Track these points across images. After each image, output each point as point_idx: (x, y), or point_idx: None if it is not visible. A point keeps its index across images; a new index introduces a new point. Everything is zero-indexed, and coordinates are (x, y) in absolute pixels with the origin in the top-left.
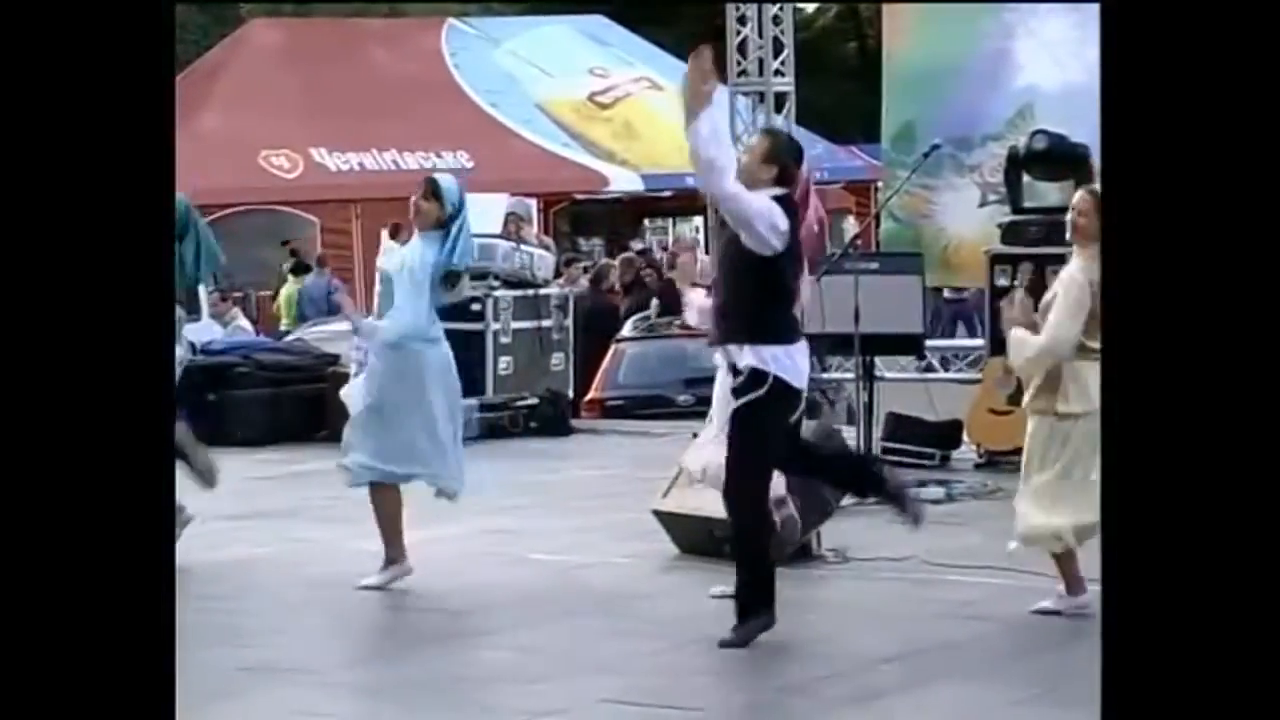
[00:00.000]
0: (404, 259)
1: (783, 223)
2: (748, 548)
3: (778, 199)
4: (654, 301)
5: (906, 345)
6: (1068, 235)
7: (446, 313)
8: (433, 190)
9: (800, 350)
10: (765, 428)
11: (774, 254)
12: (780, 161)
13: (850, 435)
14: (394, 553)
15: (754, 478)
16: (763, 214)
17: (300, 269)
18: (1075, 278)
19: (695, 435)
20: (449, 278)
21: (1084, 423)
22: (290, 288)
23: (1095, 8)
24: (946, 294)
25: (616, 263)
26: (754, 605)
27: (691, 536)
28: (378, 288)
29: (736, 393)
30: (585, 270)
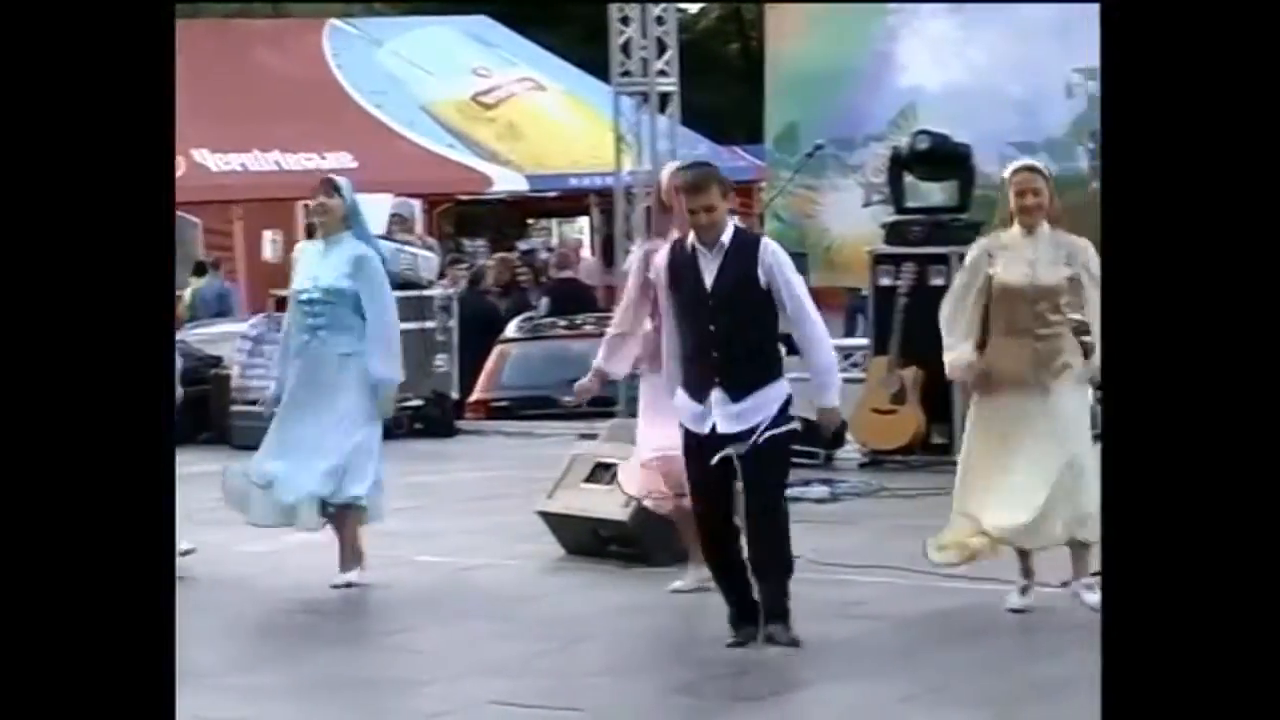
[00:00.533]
0: (337, 271)
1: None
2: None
3: (739, 228)
4: (544, 300)
5: (790, 344)
6: (1013, 219)
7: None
8: (335, 188)
9: None
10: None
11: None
12: (730, 192)
13: None
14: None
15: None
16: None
17: (200, 270)
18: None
19: (582, 436)
20: None
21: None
22: (192, 289)
23: (976, 8)
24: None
25: (493, 263)
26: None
27: (577, 537)
28: (297, 307)
29: (770, 431)
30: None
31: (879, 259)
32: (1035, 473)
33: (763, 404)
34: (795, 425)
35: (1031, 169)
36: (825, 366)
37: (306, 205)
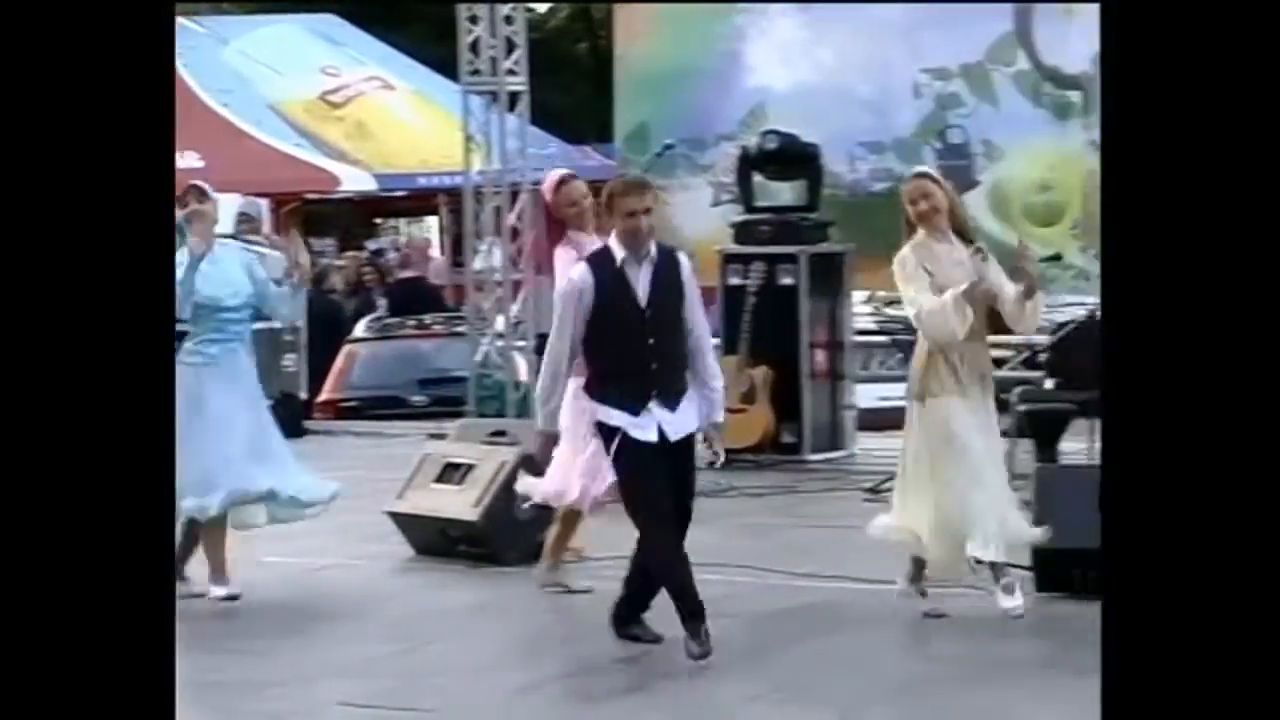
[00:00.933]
0: (243, 279)
1: None
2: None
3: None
4: (383, 301)
5: None
6: (912, 230)
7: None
8: (205, 193)
9: None
10: None
11: None
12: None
13: None
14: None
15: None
16: None
17: None
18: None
19: (431, 436)
20: None
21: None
22: None
23: (823, 9)
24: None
25: (343, 262)
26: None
27: (426, 537)
28: (217, 315)
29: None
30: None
31: (728, 258)
32: (976, 489)
33: (690, 412)
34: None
35: (920, 175)
36: (718, 382)
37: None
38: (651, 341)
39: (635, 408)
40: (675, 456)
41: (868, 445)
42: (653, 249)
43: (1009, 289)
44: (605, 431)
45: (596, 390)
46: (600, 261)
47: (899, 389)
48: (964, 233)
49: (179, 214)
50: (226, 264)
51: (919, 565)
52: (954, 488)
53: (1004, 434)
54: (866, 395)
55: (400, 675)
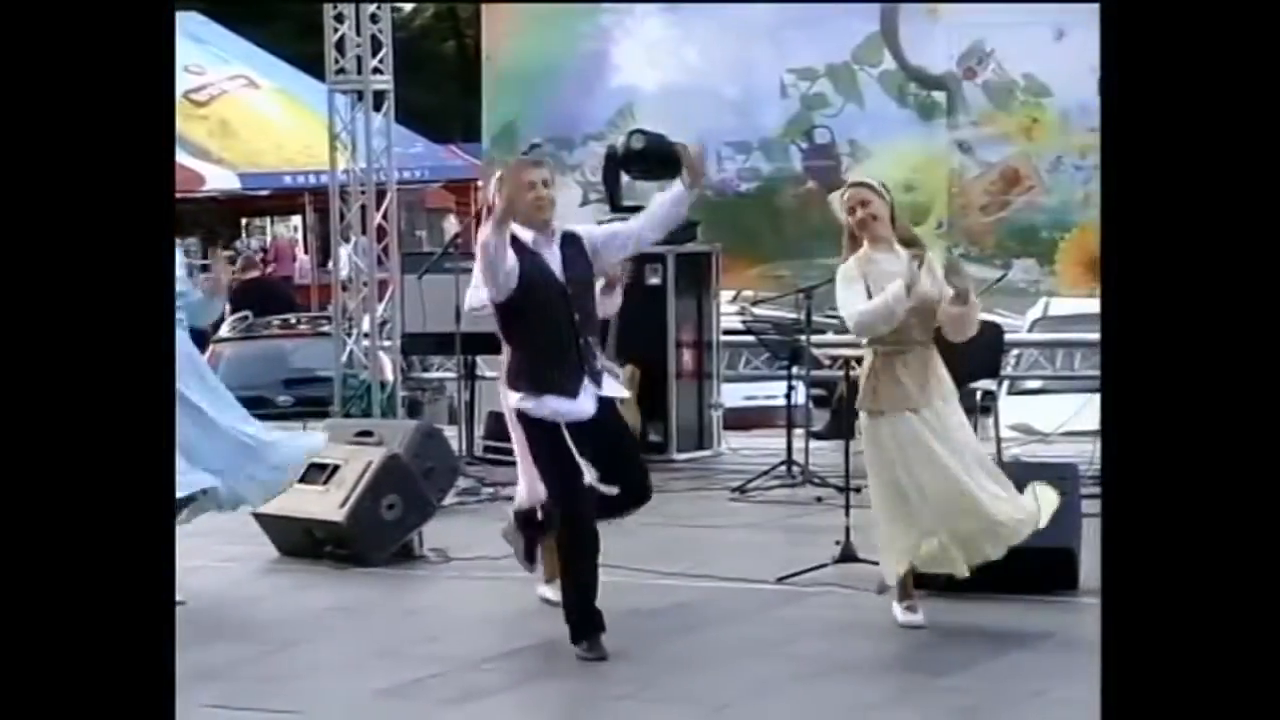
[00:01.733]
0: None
1: None
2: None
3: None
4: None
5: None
6: (856, 239)
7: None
8: None
9: None
10: None
11: None
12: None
13: (452, 435)
14: None
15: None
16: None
17: None
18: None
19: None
20: None
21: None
22: None
23: (689, 9)
24: None
25: (206, 263)
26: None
27: (291, 538)
28: None
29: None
30: None
31: None
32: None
33: (612, 382)
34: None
35: (856, 184)
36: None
37: None
38: (576, 318)
39: (570, 390)
40: (606, 428)
41: (734, 444)
42: (558, 224)
43: (947, 296)
44: (529, 421)
45: (526, 381)
46: (517, 249)
47: (765, 388)
48: (908, 240)
49: None
50: None
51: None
52: (935, 497)
53: None
54: (733, 395)
55: (265, 678)
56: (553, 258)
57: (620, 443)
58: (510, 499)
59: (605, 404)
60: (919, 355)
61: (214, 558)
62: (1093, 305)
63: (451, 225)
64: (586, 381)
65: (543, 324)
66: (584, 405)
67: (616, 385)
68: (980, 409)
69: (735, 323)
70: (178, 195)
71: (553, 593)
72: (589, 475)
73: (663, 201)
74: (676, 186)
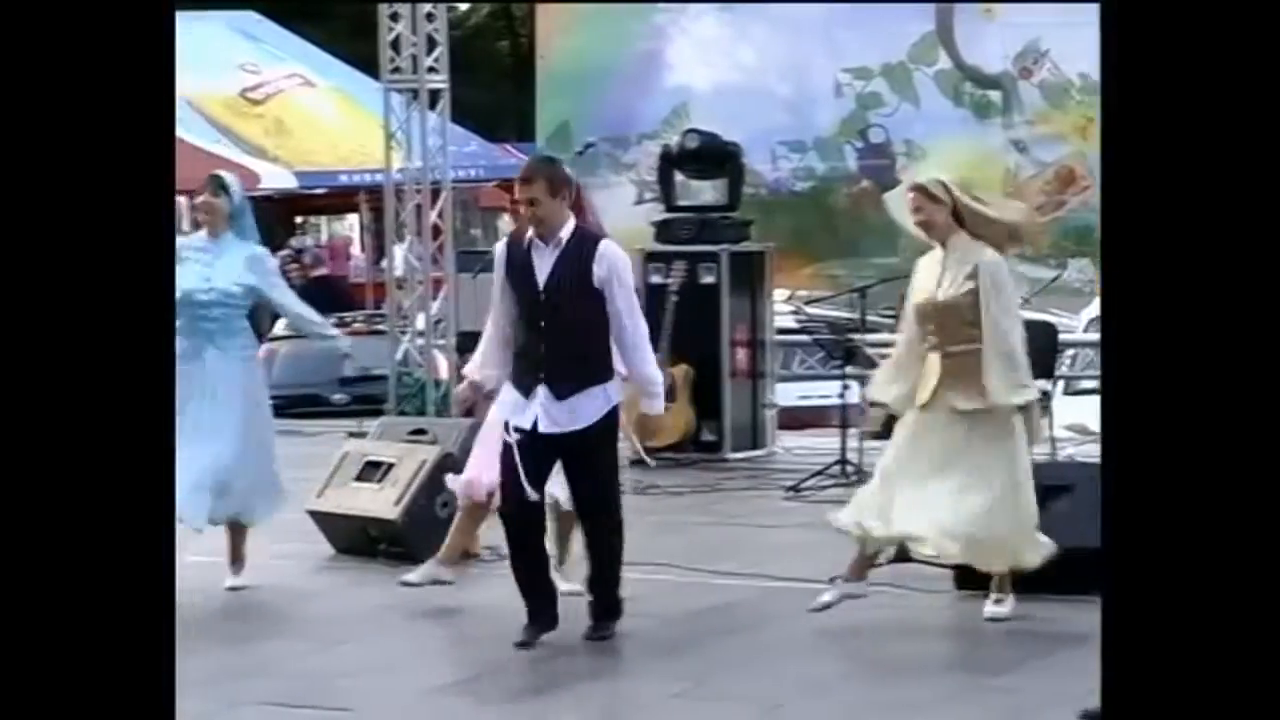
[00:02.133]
0: (230, 273)
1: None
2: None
3: (580, 228)
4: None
5: None
6: (924, 236)
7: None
8: (221, 186)
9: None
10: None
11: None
12: (565, 187)
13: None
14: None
15: (617, 501)
16: (632, 292)
17: None
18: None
19: (351, 435)
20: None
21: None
22: None
23: (744, 9)
24: None
25: None
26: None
27: (347, 536)
28: (188, 309)
29: (608, 427)
30: None
31: (650, 257)
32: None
33: (584, 406)
34: (614, 426)
35: (912, 188)
36: (650, 376)
37: (192, 202)
38: (543, 324)
39: (524, 390)
40: (565, 453)
41: (788, 444)
42: (564, 234)
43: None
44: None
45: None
46: (513, 243)
47: (819, 388)
48: (987, 235)
49: (191, 201)
50: (221, 259)
51: (866, 564)
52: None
53: None
54: (787, 394)
55: (318, 674)
56: (541, 262)
57: (579, 458)
58: None
59: (569, 438)
60: (938, 360)
61: (269, 555)
62: None
63: (506, 224)
64: (540, 393)
65: (516, 322)
66: (527, 412)
67: (577, 416)
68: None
69: (789, 322)
70: None
71: (566, 585)
72: (539, 486)
73: (627, 364)
74: (646, 377)
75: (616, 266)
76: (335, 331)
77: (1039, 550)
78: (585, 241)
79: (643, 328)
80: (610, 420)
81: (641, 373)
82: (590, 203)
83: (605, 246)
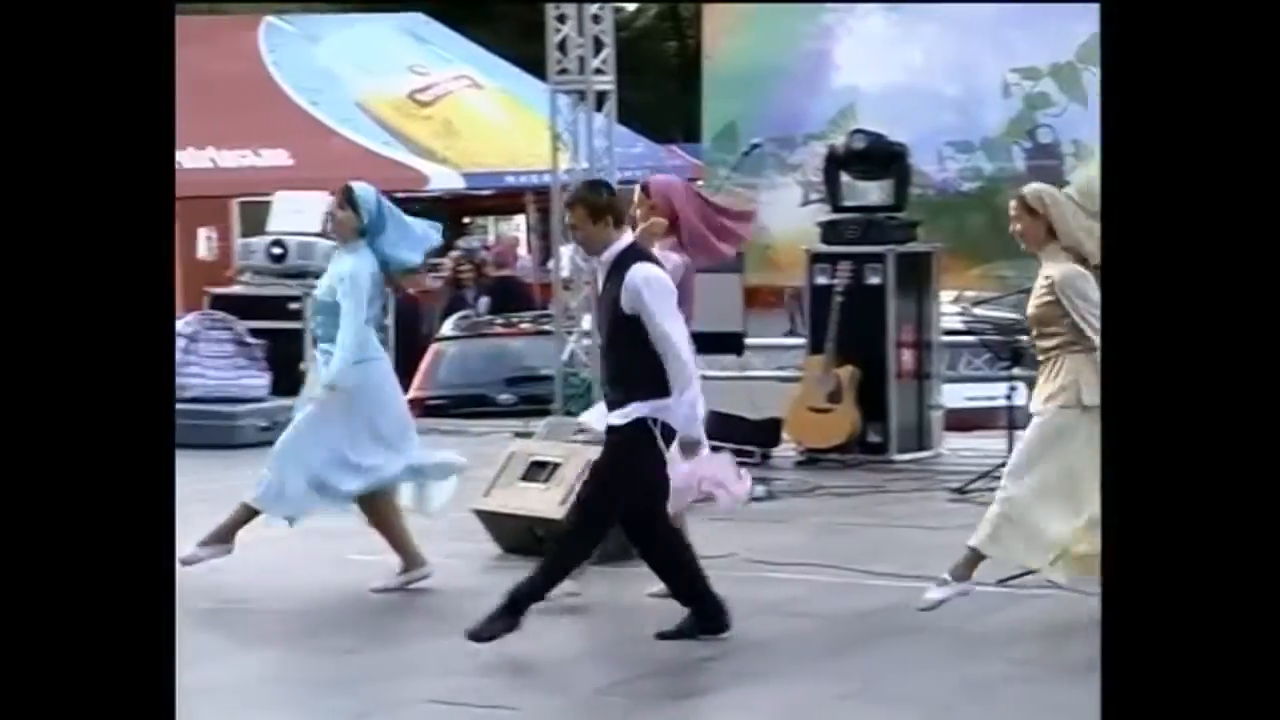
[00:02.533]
0: (333, 279)
1: (662, 272)
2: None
3: (632, 247)
4: (483, 300)
5: (727, 343)
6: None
7: (266, 312)
8: (347, 199)
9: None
10: (649, 469)
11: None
12: (606, 207)
13: None
14: (408, 557)
15: (601, 514)
16: (673, 314)
17: None
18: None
19: (518, 435)
20: (403, 277)
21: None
22: None
23: (912, 8)
24: None
25: (437, 261)
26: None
27: (513, 535)
28: (312, 314)
29: (620, 442)
30: None
31: (815, 258)
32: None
33: (606, 414)
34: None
35: (1015, 198)
36: (689, 399)
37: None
38: (597, 342)
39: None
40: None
41: (954, 445)
42: (609, 256)
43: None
44: None
45: None
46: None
47: (986, 389)
48: (1074, 249)
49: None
50: (333, 268)
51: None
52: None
53: None
54: (953, 395)
55: (485, 673)
56: (599, 280)
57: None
58: None
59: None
60: (1043, 365)
61: (436, 554)
62: None
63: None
64: (600, 405)
65: None
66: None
67: (606, 418)
68: None
69: (956, 323)
70: (404, 195)
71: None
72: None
73: (676, 393)
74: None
75: (643, 297)
76: (358, 355)
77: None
78: (624, 266)
79: (680, 350)
80: (632, 433)
81: (681, 394)
82: (688, 211)
83: (634, 275)
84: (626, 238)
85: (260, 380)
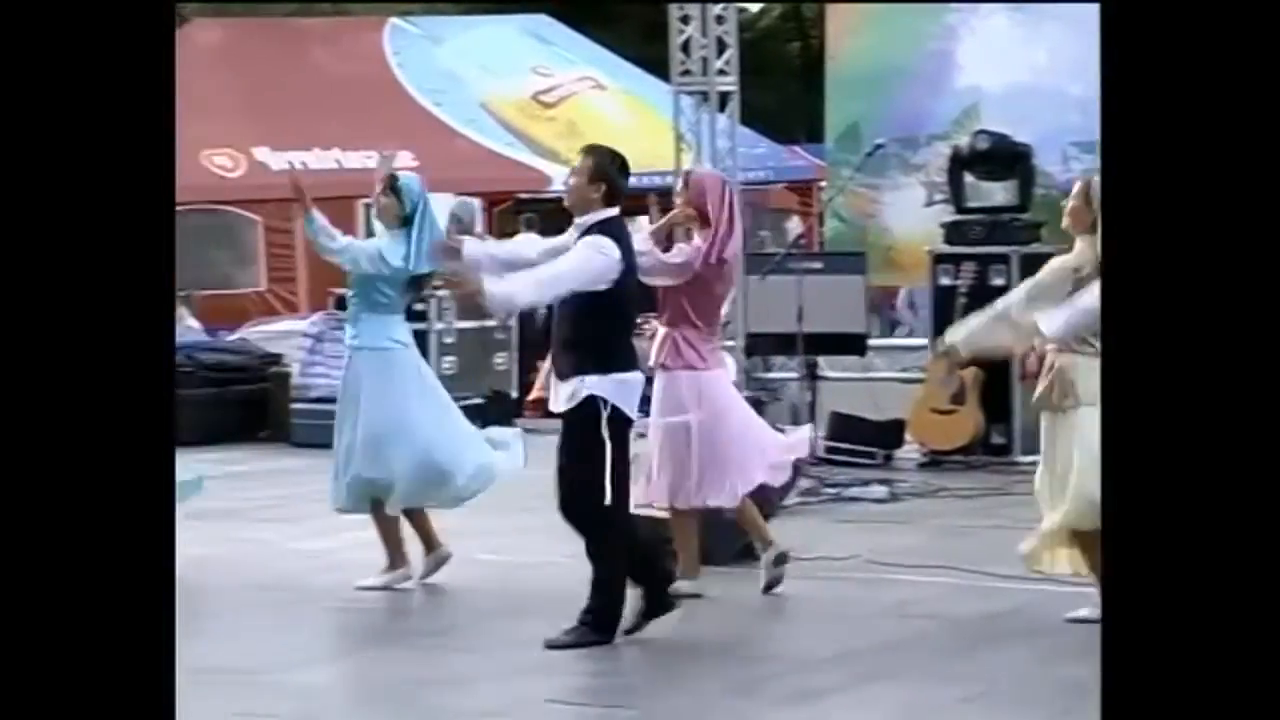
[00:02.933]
0: (368, 258)
1: (613, 251)
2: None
3: (609, 220)
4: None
5: (849, 344)
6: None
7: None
8: (391, 186)
9: (637, 380)
10: (602, 453)
11: (610, 284)
12: (607, 178)
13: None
14: (396, 558)
15: (599, 499)
16: (580, 272)
17: None
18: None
19: (640, 435)
20: (414, 282)
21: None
22: None
23: (1036, 8)
24: None
25: None
26: (602, 619)
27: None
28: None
29: (576, 420)
30: None
31: (939, 258)
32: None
33: (574, 392)
34: (592, 414)
35: (1082, 181)
36: (497, 283)
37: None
38: (560, 320)
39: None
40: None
41: None
42: (587, 223)
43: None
44: None
45: None
46: None
47: None
48: None
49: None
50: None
51: None
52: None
53: None
54: None
55: (606, 673)
56: (571, 243)
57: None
58: (854, 500)
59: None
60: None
61: (557, 554)
62: None
63: (794, 226)
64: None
65: None
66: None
67: (563, 399)
68: None
69: None
70: (526, 195)
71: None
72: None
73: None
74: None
75: (585, 240)
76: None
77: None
78: (589, 234)
79: (541, 276)
80: (585, 410)
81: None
82: (718, 208)
83: (584, 238)
84: (608, 213)
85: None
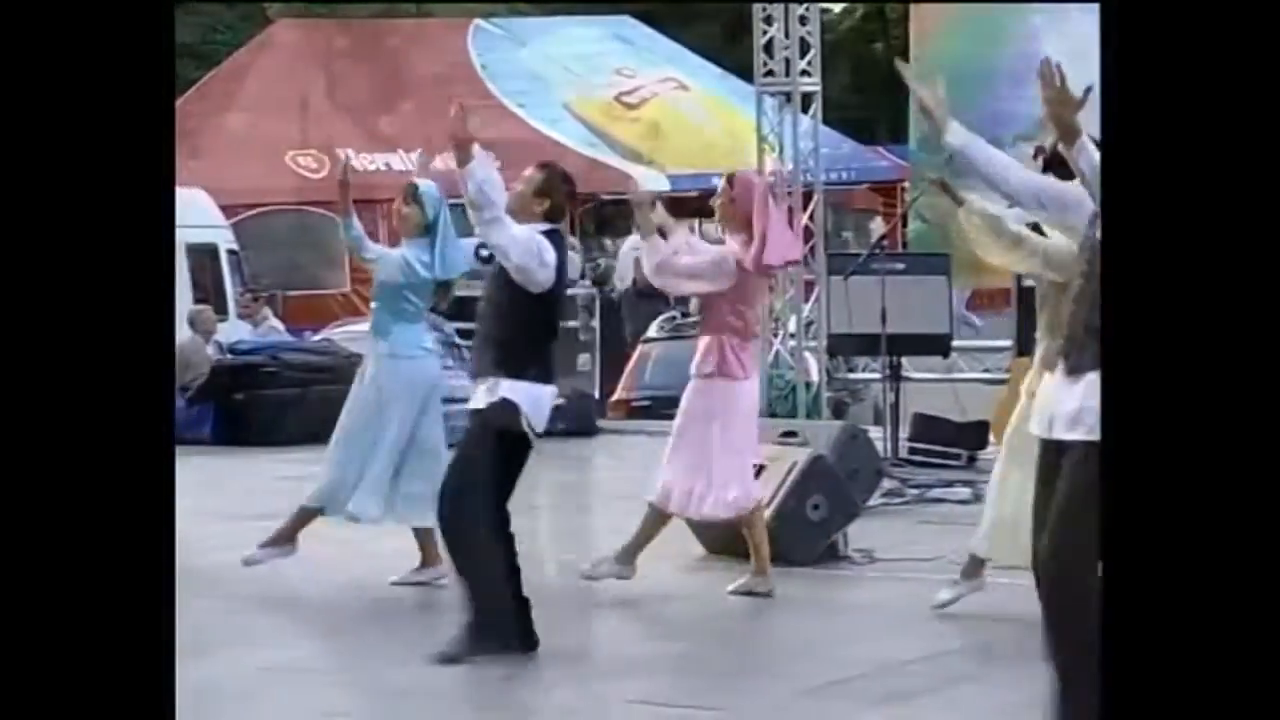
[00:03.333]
0: (396, 267)
1: (550, 256)
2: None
3: (549, 233)
4: (695, 300)
5: (933, 345)
6: None
7: (474, 313)
8: (412, 195)
9: (550, 394)
10: (495, 461)
11: (541, 290)
12: (552, 195)
13: (876, 436)
14: (428, 555)
15: (479, 506)
16: (527, 241)
17: None
18: None
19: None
20: (438, 290)
21: None
22: None
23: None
24: None
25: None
26: (483, 631)
27: (719, 537)
28: (375, 303)
29: (482, 421)
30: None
31: None
32: None
33: (490, 390)
34: (503, 417)
35: None
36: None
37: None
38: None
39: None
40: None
41: None
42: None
43: None
44: None
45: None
46: None
47: None
48: None
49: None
50: (395, 259)
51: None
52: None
53: None
54: None
55: (690, 673)
56: None
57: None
58: (938, 501)
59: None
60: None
61: (641, 555)
62: None
63: (878, 226)
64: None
65: None
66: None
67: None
68: None
69: None
70: (609, 196)
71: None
72: None
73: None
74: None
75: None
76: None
77: None
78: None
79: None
80: (498, 412)
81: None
82: (760, 211)
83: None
84: (548, 226)
85: (467, 380)
